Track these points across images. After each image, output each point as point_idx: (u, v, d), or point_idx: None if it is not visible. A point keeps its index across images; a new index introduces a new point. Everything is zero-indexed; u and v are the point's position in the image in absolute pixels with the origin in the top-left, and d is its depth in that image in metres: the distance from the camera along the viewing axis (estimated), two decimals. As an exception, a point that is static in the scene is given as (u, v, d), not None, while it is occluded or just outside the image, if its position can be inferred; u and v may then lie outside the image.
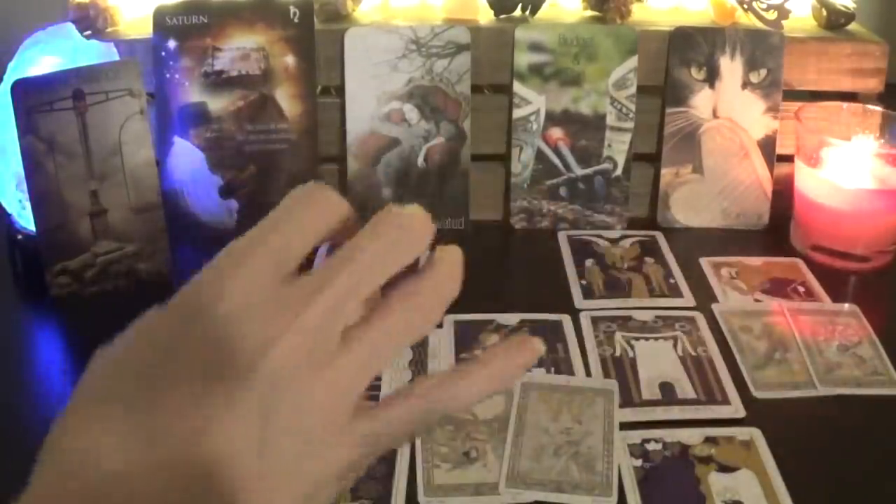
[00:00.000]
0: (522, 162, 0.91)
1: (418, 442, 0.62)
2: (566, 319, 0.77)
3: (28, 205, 0.77)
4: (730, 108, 0.91)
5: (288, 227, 0.34)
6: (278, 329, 0.32)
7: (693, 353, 0.73)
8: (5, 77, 0.76)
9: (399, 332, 0.35)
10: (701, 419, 0.66)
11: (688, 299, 0.80)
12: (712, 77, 0.91)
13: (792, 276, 0.84)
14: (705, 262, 0.86)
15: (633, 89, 0.90)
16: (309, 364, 0.33)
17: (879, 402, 0.69)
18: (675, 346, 0.74)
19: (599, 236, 0.90)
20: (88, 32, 0.86)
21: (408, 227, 0.35)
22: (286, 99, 0.88)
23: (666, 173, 0.92)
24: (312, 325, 0.33)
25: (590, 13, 0.95)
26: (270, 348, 0.32)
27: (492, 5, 0.93)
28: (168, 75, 0.86)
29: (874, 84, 0.93)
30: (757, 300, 0.80)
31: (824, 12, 0.94)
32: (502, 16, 0.93)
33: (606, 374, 0.70)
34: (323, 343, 0.33)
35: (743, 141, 0.91)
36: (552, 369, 0.71)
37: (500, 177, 0.92)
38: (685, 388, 0.69)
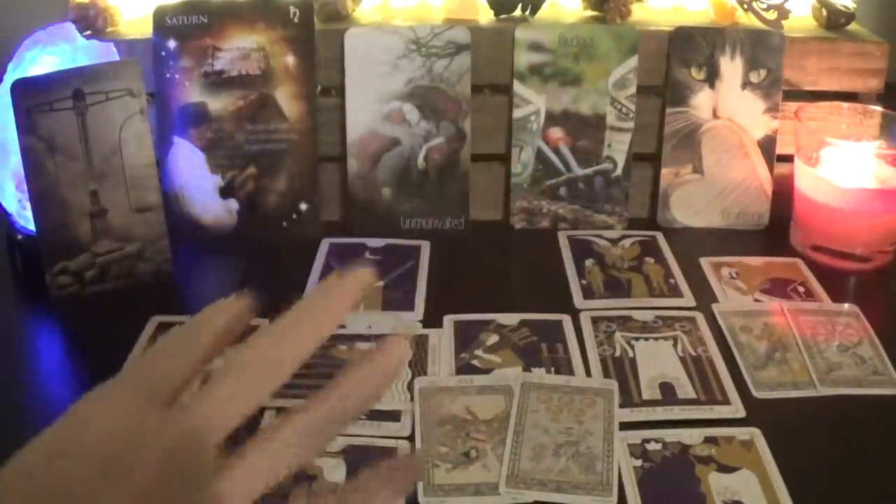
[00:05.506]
0: (522, 162, 0.91)
1: (418, 442, 0.62)
2: (566, 319, 0.77)
3: (28, 205, 0.77)
4: (730, 108, 0.91)
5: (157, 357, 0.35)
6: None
7: (693, 353, 0.73)
8: (5, 77, 0.76)
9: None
10: (701, 419, 0.66)
11: (688, 299, 0.80)
12: (712, 77, 0.91)
13: (792, 276, 0.84)
14: (705, 262, 0.86)
15: (633, 89, 0.90)
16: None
17: (879, 402, 0.69)
18: (675, 346, 0.74)
19: (599, 236, 0.90)
20: (88, 32, 0.86)
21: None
22: (286, 99, 0.88)
23: (666, 173, 0.92)
24: None
25: (590, 13, 0.95)
26: None
27: (492, 5, 0.93)
28: (168, 75, 0.86)
29: (874, 84, 0.93)
30: (757, 300, 0.80)
31: (824, 12, 0.94)
32: (502, 16, 0.93)
33: (606, 374, 0.70)
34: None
35: (743, 141, 0.91)
36: (552, 369, 0.70)
37: (500, 177, 0.92)
38: (685, 388, 0.69)
